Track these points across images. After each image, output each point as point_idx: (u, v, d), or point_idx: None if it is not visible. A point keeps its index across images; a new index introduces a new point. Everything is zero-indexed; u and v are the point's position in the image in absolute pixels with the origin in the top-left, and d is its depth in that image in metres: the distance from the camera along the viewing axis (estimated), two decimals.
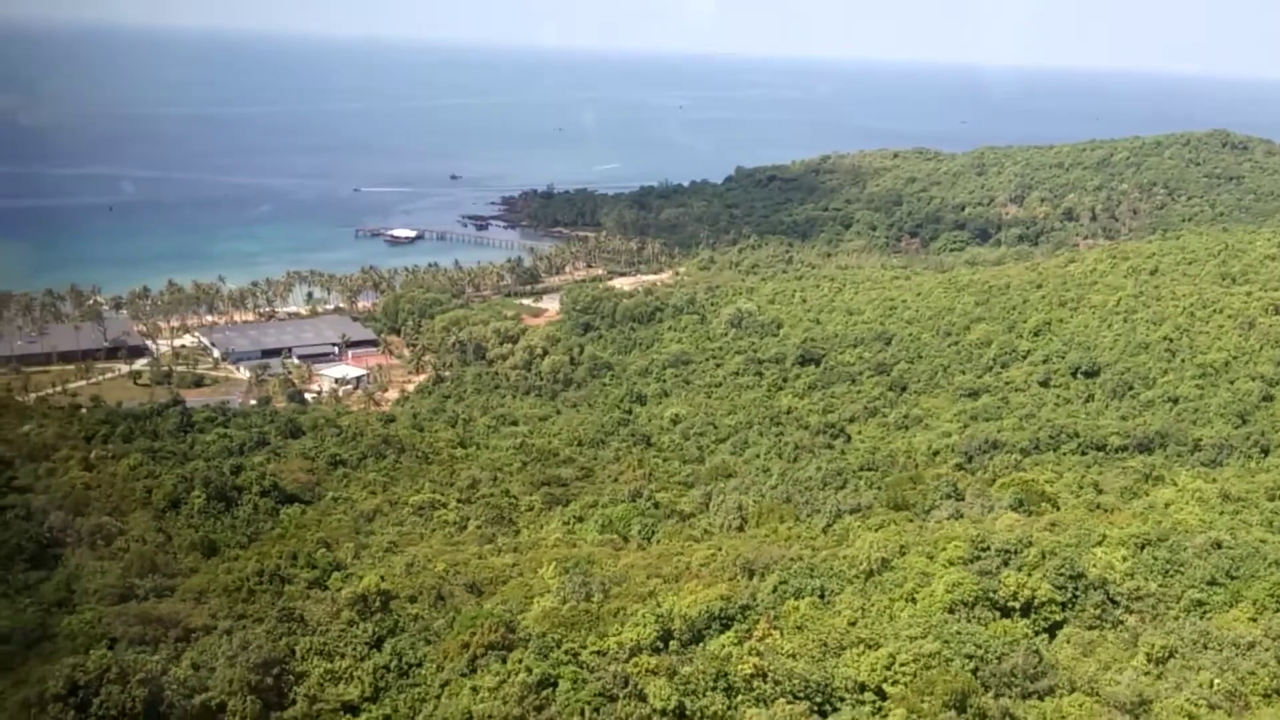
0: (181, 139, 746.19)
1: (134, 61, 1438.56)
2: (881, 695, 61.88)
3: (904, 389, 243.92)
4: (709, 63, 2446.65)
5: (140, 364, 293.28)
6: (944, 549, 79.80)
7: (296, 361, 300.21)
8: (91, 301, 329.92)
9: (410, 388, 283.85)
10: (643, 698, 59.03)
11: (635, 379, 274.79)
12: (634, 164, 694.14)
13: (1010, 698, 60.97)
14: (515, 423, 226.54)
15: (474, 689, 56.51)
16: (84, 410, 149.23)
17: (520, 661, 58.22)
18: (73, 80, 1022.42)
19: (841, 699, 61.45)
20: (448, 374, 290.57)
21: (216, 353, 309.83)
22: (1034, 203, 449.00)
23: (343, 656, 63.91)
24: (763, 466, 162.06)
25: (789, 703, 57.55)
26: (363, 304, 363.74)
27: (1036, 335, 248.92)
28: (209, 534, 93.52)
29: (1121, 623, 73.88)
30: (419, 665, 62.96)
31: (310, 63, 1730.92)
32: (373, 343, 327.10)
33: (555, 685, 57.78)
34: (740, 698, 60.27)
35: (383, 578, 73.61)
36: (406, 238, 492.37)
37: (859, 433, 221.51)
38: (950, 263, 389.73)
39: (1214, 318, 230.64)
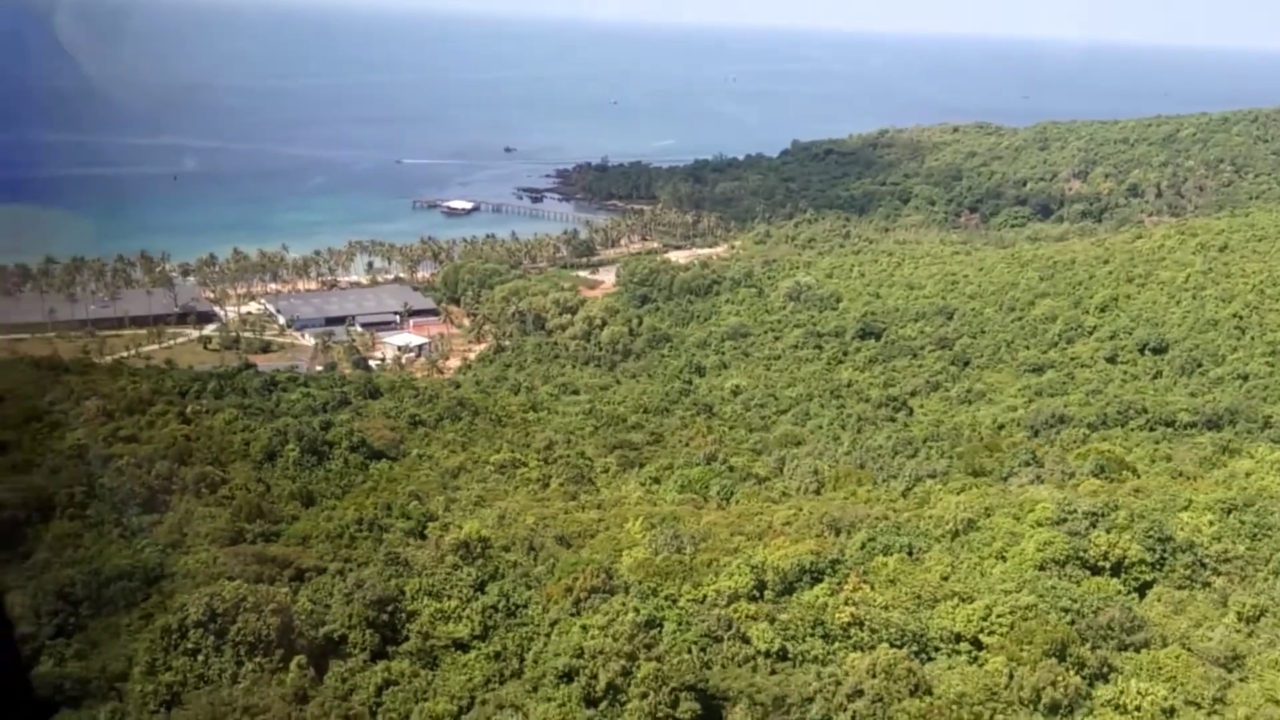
0: (240, 111, 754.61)
1: (193, 34, 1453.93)
2: (978, 645, 63.23)
3: (966, 364, 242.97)
4: (758, 36, 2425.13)
5: (209, 329, 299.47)
6: (1031, 510, 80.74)
7: (359, 329, 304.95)
8: (161, 268, 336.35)
9: (471, 356, 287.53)
10: (746, 640, 61.00)
11: (694, 351, 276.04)
12: (687, 137, 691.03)
13: (1106, 650, 62.18)
14: (576, 392, 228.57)
15: (584, 627, 58.57)
16: (172, 369, 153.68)
17: (624, 604, 60.23)
18: (137, 53, 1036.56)
19: (937, 648, 62.96)
20: (508, 343, 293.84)
21: (281, 319, 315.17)
22: (1098, 178, 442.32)
23: (450, 598, 66.24)
24: (832, 435, 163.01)
25: (891, 647, 59.10)
26: (422, 274, 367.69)
27: (1103, 311, 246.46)
28: (305, 485, 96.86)
29: (1210, 584, 74.61)
30: (524, 607, 65.22)
31: (363, 35, 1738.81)
32: (433, 312, 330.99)
33: (660, 626, 59.86)
34: (837, 645, 61.99)
35: (481, 527, 75.96)
36: (463, 209, 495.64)
37: (921, 406, 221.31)
38: (1011, 239, 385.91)
39: None
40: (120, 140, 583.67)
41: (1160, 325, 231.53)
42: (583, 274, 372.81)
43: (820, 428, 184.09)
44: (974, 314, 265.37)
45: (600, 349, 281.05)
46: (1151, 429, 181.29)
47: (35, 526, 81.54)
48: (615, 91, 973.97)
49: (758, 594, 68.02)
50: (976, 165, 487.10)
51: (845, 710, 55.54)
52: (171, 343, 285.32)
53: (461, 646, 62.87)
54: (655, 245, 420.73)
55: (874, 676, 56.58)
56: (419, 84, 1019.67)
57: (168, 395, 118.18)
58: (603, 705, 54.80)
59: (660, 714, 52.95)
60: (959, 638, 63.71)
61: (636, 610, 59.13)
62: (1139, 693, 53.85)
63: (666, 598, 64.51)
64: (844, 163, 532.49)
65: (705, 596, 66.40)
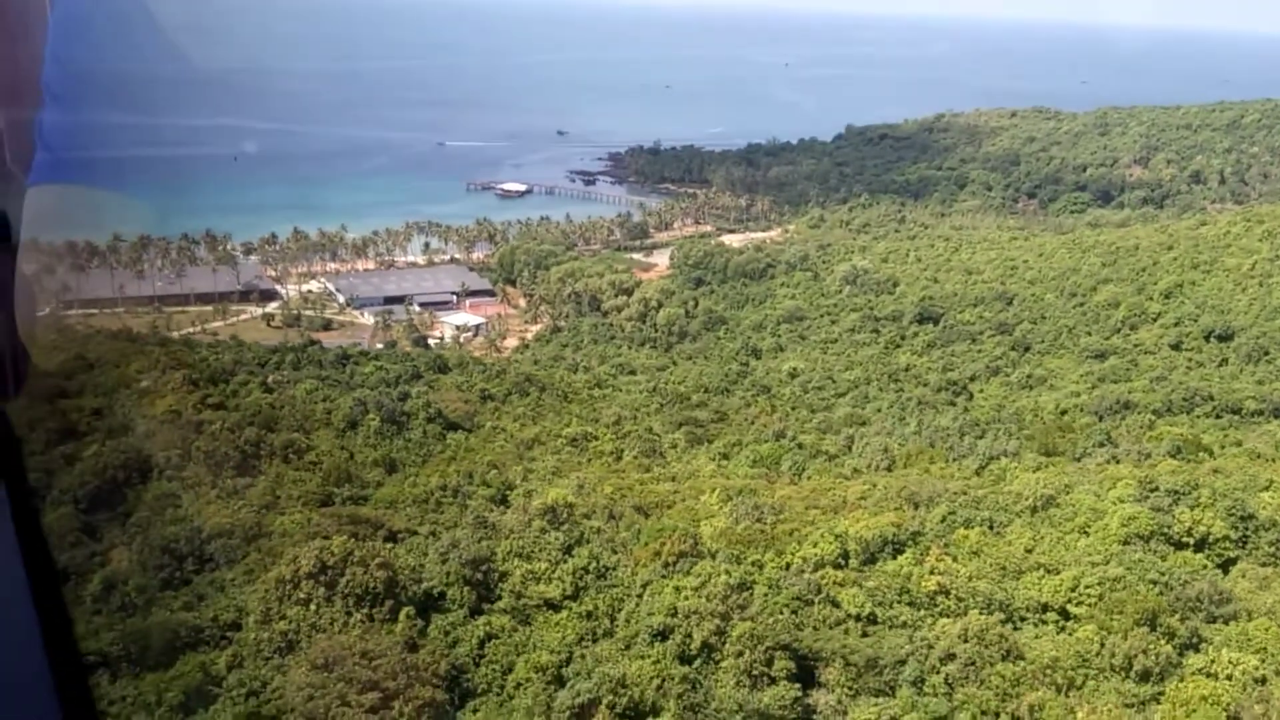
0: (296, 93, 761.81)
1: (248, 18, 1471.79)
2: (1065, 616, 63.92)
3: (1027, 349, 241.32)
4: (814, 19, 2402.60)
5: (272, 307, 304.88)
6: (1112, 488, 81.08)
7: (417, 309, 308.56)
8: (224, 247, 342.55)
9: (528, 336, 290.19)
10: (835, 604, 62.18)
11: (749, 333, 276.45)
12: (740, 122, 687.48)
13: (1195, 621, 62.67)
14: (634, 372, 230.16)
15: (676, 588, 60.05)
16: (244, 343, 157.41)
17: (715, 567, 61.65)
18: (194, 35, 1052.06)
19: (1023, 618, 63.76)
20: (564, 324, 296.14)
21: (341, 298, 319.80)
22: (1159, 164, 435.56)
23: (539, 560, 68.05)
24: (895, 417, 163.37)
25: (981, 614, 60.04)
26: (477, 255, 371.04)
27: (1167, 298, 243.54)
28: (387, 453, 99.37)
29: None
30: (613, 570, 66.89)
31: (413, 18, 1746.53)
32: (489, 292, 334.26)
33: (750, 590, 61.20)
34: (923, 612, 62.99)
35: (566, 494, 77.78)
36: (516, 191, 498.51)
37: (981, 391, 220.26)
38: (1071, 224, 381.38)
39: None
40: (180, 122, 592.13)
41: (1226, 312, 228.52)
42: (636, 256, 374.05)
43: (880, 411, 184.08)
44: (1034, 299, 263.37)
45: (656, 330, 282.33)
46: (1218, 416, 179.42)
47: (135, 488, 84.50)
48: (668, 75, 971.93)
49: (842, 562, 69.16)
50: (1035, 150, 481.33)
51: (938, 673, 56.66)
52: (236, 319, 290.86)
53: (553, 606, 64.65)
54: (709, 228, 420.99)
55: (965, 641, 57.59)
56: (472, 67, 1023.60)
57: (248, 366, 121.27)
58: (697, 663, 56.28)
59: (755, 672, 54.33)
60: (1046, 607, 64.48)
61: (728, 573, 60.49)
62: (1230, 662, 54.38)
63: (753, 563, 65.85)
64: (899, 147, 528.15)
65: (790, 564, 67.59)
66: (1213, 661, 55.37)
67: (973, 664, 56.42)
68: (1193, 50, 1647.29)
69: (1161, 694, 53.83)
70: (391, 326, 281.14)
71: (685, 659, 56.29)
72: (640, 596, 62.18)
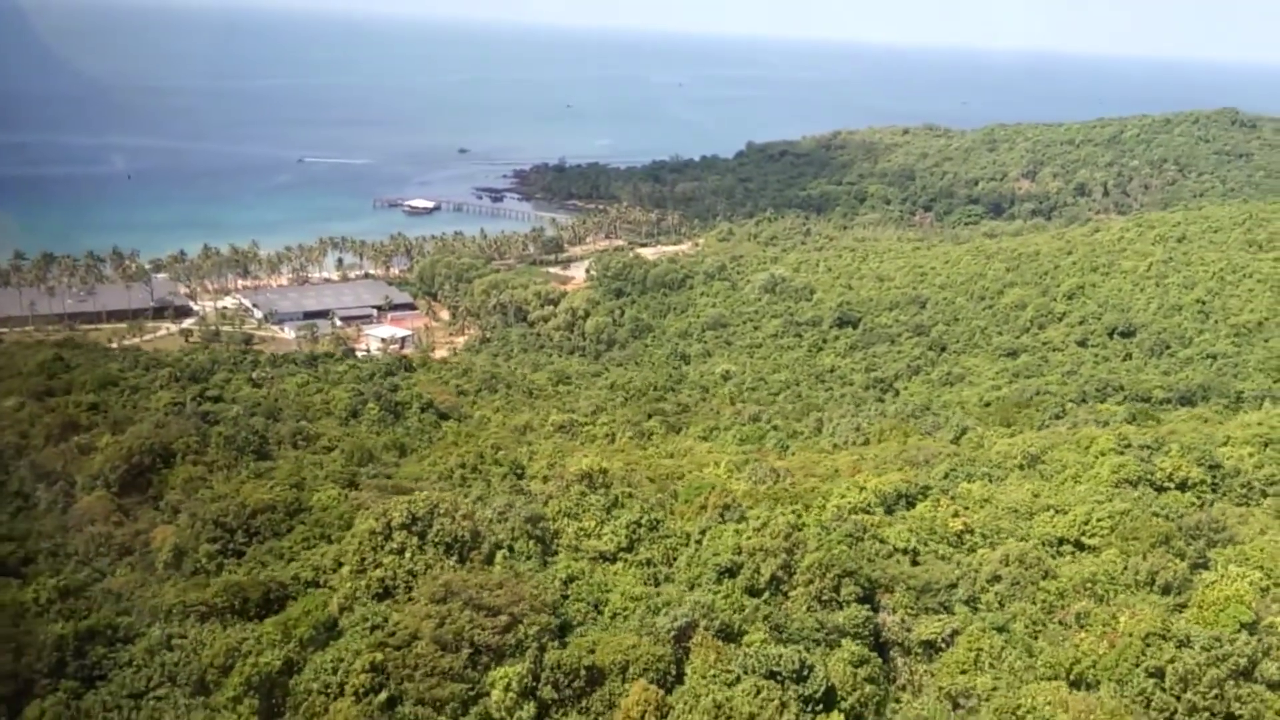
0: (190, 111, 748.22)
1: (138, 35, 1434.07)
2: (1080, 547, 70.62)
3: (943, 349, 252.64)
4: (709, 42, 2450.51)
5: (188, 323, 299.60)
6: (1090, 444, 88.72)
7: (339, 323, 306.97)
8: (132, 265, 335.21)
9: (457, 346, 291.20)
10: (882, 540, 67.71)
11: (676, 340, 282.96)
12: (640, 140, 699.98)
13: (1199, 545, 69.99)
14: (568, 379, 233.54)
15: (737, 531, 64.78)
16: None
17: (770, 511, 66.51)
18: (87, 52, 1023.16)
19: (1043, 551, 70.06)
20: (492, 334, 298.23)
21: (259, 314, 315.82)
22: (1046, 178, 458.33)
23: (587, 518, 72.05)
24: (854, 400, 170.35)
25: (1017, 541, 66.18)
26: (394, 270, 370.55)
27: (1070, 298, 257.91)
28: (395, 438, 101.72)
29: (1261, 502, 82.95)
30: (662, 523, 71.22)
31: (305, 37, 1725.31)
32: (410, 306, 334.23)
33: (802, 531, 66.16)
34: (955, 548, 68.92)
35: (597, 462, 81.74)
36: (424, 208, 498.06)
37: (905, 389, 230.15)
38: (966, 236, 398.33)
39: (1244, 281, 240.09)
40: (72, 140, 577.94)
41: (1127, 310, 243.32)
42: (553, 270, 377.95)
43: (818, 406, 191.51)
44: (946, 303, 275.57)
45: (584, 339, 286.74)
46: (1129, 404, 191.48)
47: (160, 472, 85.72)
48: (566, 95, 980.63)
49: (870, 511, 74.80)
50: (929, 166, 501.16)
51: (987, 592, 62.60)
52: (152, 336, 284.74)
53: (607, 558, 68.69)
54: (621, 243, 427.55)
55: (1007, 566, 63.75)
56: (369, 86, 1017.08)
57: (226, 364, 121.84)
58: (765, 595, 61.06)
59: (825, 597, 59.39)
60: (1063, 540, 71.15)
61: (790, 515, 65.49)
62: (1238, 575, 61.44)
63: (793, 512, 70.86)
64: (799, 164, 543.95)
65: (826, 512, 72.94)
66: (1222, 576, 62.37)
67: (1017, 584, 62.69)
68: (1062, 72, 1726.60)
69: (1183, 604, 60.63)
70: (317, 340, 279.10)
71: (754, 592, 60.93)
72: (699, 542, 66.67)
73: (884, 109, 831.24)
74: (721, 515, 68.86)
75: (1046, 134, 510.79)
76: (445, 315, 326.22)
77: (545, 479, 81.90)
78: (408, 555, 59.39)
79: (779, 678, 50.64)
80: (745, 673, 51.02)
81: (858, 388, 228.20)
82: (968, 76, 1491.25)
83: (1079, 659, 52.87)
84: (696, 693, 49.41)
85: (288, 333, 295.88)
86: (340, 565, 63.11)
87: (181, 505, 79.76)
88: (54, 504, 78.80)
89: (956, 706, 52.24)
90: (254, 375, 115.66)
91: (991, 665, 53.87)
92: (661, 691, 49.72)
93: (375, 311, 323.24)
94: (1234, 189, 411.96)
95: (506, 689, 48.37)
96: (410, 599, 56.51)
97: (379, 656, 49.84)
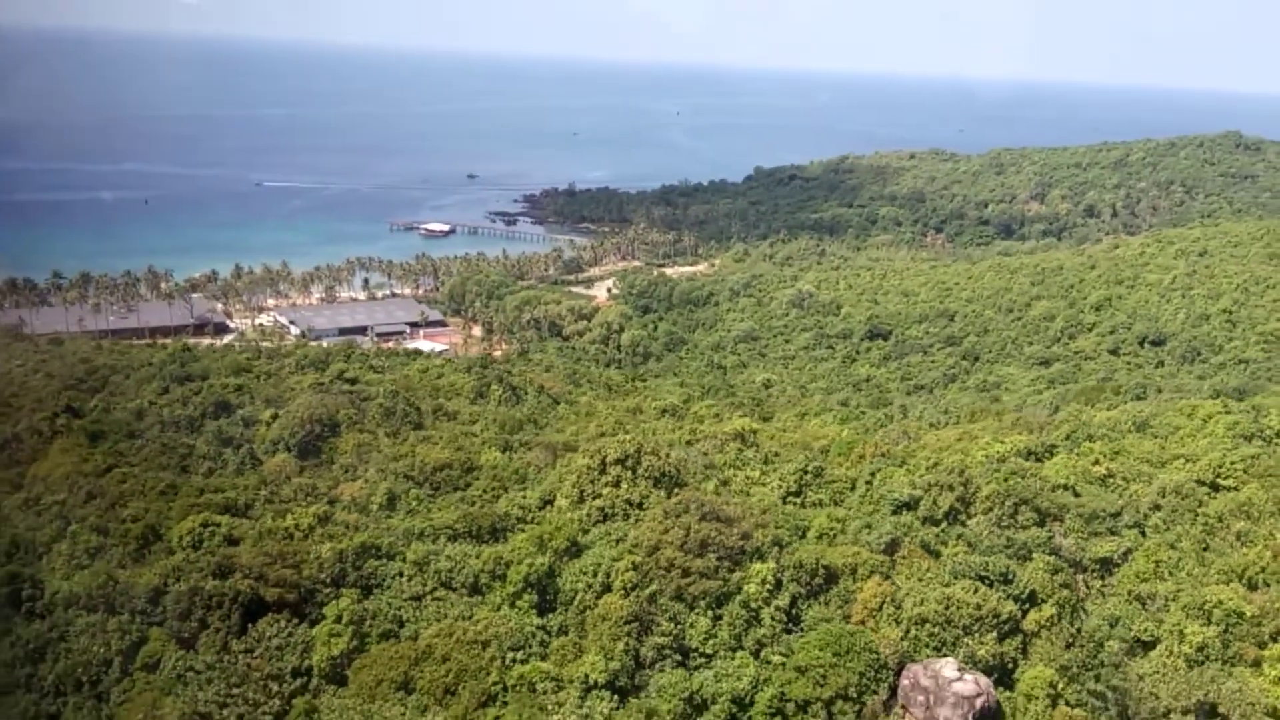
0: (205, 139, 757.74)
1: (156, 67, 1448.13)
2: (1216, 488, 76.83)
3: (976, 358, 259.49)
4: (699, 72, 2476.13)
5: (228, 339, 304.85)
6: (1193, 411, 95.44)
7: (374, 339, 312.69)
8: (167, 284, 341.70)
9: (495, 359, 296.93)
10: (1042, 479, 74.04)
11: (709, 353, 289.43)
12: (643, 165, 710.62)
13: None
14: (642, 378, 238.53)
15: (909, 470, 71.11)
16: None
17: (935, 455, 72.80)
18: (99, 84, 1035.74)
19: None
20: (529, 347, 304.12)
21: (295, 330, 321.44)
22: (1055, 200, 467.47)
23: (749, 469, 78.30)
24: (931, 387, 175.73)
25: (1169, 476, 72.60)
26: (421, 289, 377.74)
27: (1098, 310, 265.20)
28: (528, 415, 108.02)
29: None
30: (825, 470, 77.60)
31: (315, 70, 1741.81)
32: (441, 322, 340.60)
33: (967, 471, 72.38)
34: (1102, 489, 75.24)
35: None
36: (440, 231, 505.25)
37: (944, 396, 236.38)
38: (979, 256, 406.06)
39: (1268, 292, 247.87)
40: (89, 167, 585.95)
41: (1156, 320, 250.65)
42: (576, 289, 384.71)
43: (887, 401, 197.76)
44: (974, 315, 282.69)
45: (620, 351, 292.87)
46: None
47: (327, 440, 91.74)
48: (567, 123, 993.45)
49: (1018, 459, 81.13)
50: (938, 189, 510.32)
51: (1150, 518, 68.97)
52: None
53: (780, 501, 74.84)
54: (638, 263, 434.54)
55: (1164, 496, 70.15)
56: (378, 116, 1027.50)
57: (337, 357, 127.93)
58: (943, 524, 67.24)
59: (1004, 523, 65.60)
60: (1199, 482, 77.35)
61: (950, 458, 71.81)
62: None
63: (958, 452, 77.15)
64: (808, 188, 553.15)
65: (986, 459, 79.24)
66: None
67: (1175, 511, 69.00)
68: (1050, 100, 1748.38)
69: None
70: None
71: (932, 521, 67.05)
72: (868, 484, 72.93)
73: (879, 135, 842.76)
74: (892, 459, 75.09)
75: (1053, 158, 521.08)
76: (477, 331, 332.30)
77: (695, 439, 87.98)
78: (624, 486, 65.38)
79: (987, 580, 56.74)
80: (955, 577, 57.08)
81: (901, 394, 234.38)
82: (957, 104, 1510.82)
83: (1249, 566, 59.17)
84: (920, 591, 55.42)
85: (326, 348, 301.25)
86: (547, 503, 69.12)
87: (355, 465, 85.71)
88: (242, 464, 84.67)
89: (1144, 606, 58.41)
90: (373, 363, 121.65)
91: (1170, 574, 60.10)
92: (893, 585, 55.78)
93: (408, 328, 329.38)
94: (1241, 209, 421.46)
95: (762, 583, 54.34)
96: (636, 521, 62.53)
97: (638, 559, 55.77)
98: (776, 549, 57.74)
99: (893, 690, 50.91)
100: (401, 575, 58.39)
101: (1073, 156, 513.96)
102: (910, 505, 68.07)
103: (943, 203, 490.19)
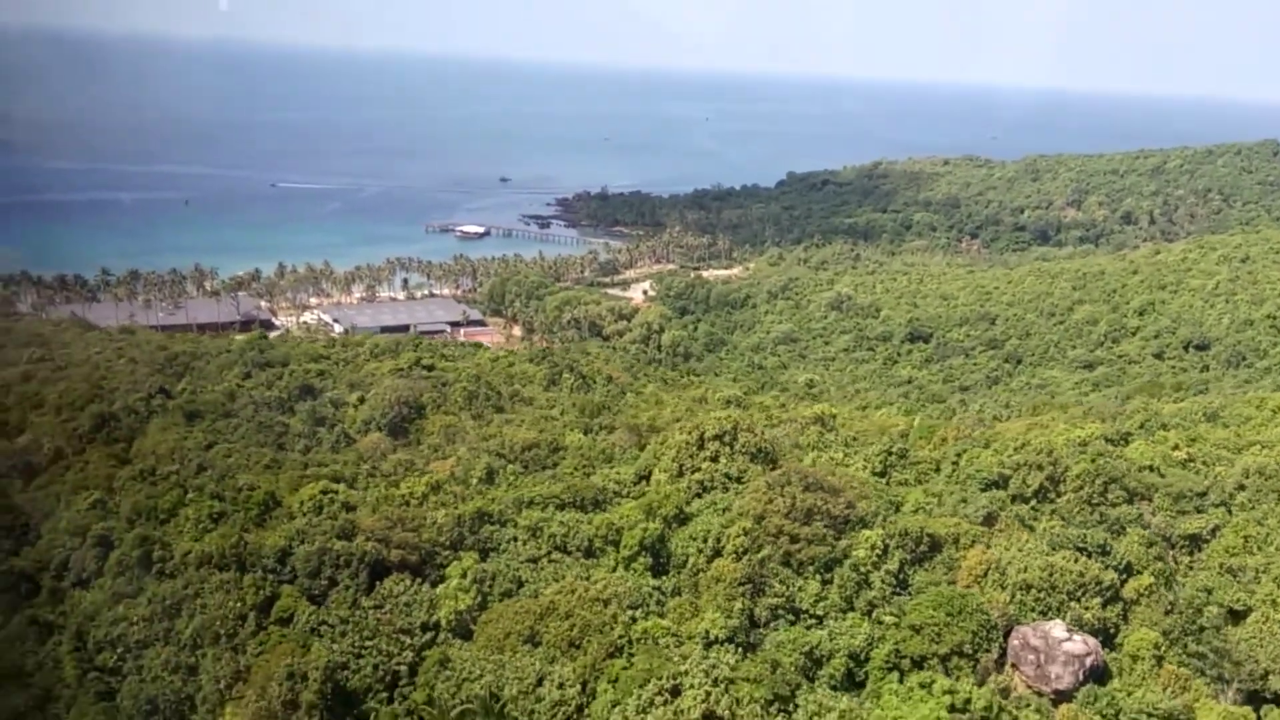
0: (236, 142, 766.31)
1: (188, 70, 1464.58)
2: None
3: (1019, 361, 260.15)
4: (720, 79, 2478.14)
5: (274, 335, 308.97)
6: (1262, 403, 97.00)
7: (417, 337, 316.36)
8: (212, 281, 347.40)
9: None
10: (1127, 460, 75.82)
11: (749, 353, 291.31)
12: (673, 170, 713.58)
13: None
14: (696, 373, 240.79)
15: (996, 451, 72.97)
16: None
17: (1021, 437, 74.66)
18: (135, 87, 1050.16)
19: None
20: (571, 346, 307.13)
21: (339, 328, 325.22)
22: (1092, 206, 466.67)
23: (832, 450, 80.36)
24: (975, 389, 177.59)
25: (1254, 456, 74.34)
26: (460, 289, 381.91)
27: (1141, 315, 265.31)
28: (601, 401, 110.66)
29: None
30: (909, 451, 79.57)
31: (339, 74, 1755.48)
32: (481, 322, 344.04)
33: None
34: (1184, 471, 77.02)
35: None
36: (475, 233, 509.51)
37: (998, 394, 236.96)
38: (1016, 260, 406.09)
39: None
40: (126, 168, 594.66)
41: (1200, 325, 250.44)
42: (613, 291, 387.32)
43: (941, 398, 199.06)
44: (1016, 319, 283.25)
45: (660, 351, 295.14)
46: None
47: (413, 421, 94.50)
48: (593, 128, 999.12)
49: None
50: (973, 195, 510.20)
51: (1235, 498, 70.70)
52: None
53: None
54: (672, 266, 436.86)
55: (1248, 477, 71.85)
56: (406, 120, 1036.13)
57: (406, 346, 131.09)
58: (1033, 502, 69.12)
59: (1094, 501, 67.42)
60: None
61: (1038, 439, 73.67)
62: None
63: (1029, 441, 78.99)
64: (842, 192, 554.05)
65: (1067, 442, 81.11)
66: None
67: (1260, 491, 70.68)
68: (1080, 109, 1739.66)
69: None
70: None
71: (1022, 499, 69.02)
72: (955, 464, 74.93)
73: (908, 142, 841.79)
74: (975, 440, 77.05)
75: (1089, 165, 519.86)
76: (516, 331, 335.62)
77: (774, 424, 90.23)
78: (722, 461, 67.67)
79: (1086, 551, 58.65)
80: (1054, 548, 59.01)
81: (947, 394, 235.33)
82: (986, 112, 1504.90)
83: None
84: (1023, 559, 57.40)
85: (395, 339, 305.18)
86: (642, 478, 71.49)
87: (443, 445, 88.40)
88: (337, 442, 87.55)
89: (1235, 578, 60.20)
90: (444, 352, 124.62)
91: (1260, 548, 61.85)
92: (995, 553, 57.78)
93: (449, 327, 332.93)
94: None
95: (871, 548, 56.48)
96: (736, 493, 64.83)
97: (748, 524, 58.03)
98: (880, 518, 59.86)
99: (1002, 651, 52.95)
100: (515, 540, 60.95)
101: (1109, 163, 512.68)
102: (999, 484, 70.07)
103: (978, 209, 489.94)
